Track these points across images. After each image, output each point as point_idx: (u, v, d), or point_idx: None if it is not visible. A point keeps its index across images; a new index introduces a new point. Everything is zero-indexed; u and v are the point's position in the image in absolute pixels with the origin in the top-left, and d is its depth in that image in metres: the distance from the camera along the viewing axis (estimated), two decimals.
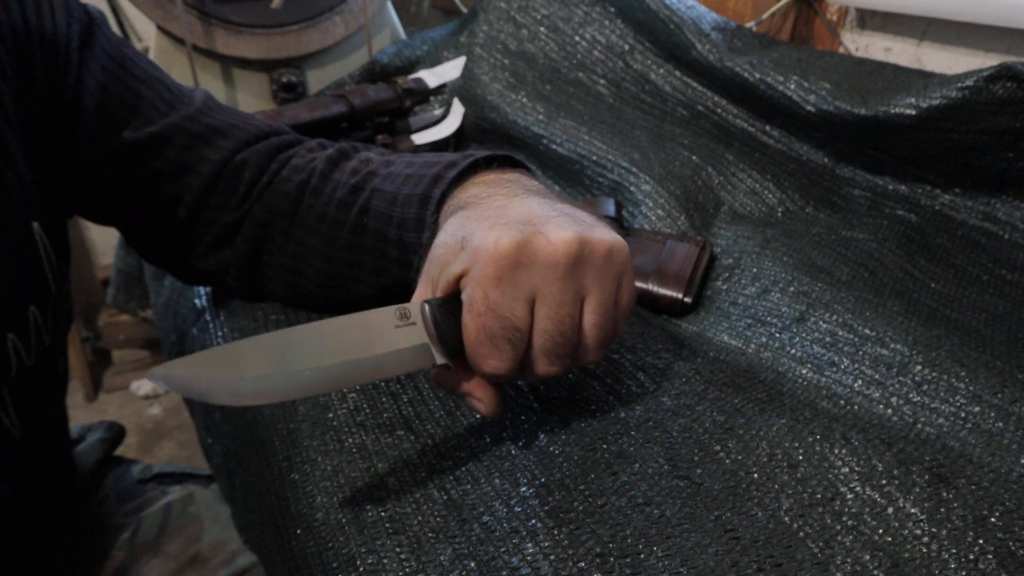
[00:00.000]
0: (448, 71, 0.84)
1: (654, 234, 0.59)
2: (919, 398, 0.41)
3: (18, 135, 0.41)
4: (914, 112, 0.56)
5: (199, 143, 0.46)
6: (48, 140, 0.42)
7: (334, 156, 0.48)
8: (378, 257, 0.45)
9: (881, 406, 0.41)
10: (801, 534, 0.31)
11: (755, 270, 0.54)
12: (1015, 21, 0.63)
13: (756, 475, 0.34)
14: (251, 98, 1.06)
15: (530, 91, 0.81)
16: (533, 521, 0.33)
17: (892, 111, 0.57)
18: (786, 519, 0.32)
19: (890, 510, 0.32)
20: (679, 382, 0.42)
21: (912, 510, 0.32)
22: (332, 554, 0.33)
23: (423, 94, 0.81)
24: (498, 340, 0.32)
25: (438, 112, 0.86)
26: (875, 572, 0.30)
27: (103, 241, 1.78)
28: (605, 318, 0.34)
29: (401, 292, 0.46)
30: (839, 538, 0.31)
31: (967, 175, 0.59)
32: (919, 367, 0.43)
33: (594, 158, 0.70)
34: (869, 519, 0.32)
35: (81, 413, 1.70)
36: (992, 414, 0.39)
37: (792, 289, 0.51)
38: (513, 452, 0.37)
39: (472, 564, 0.31)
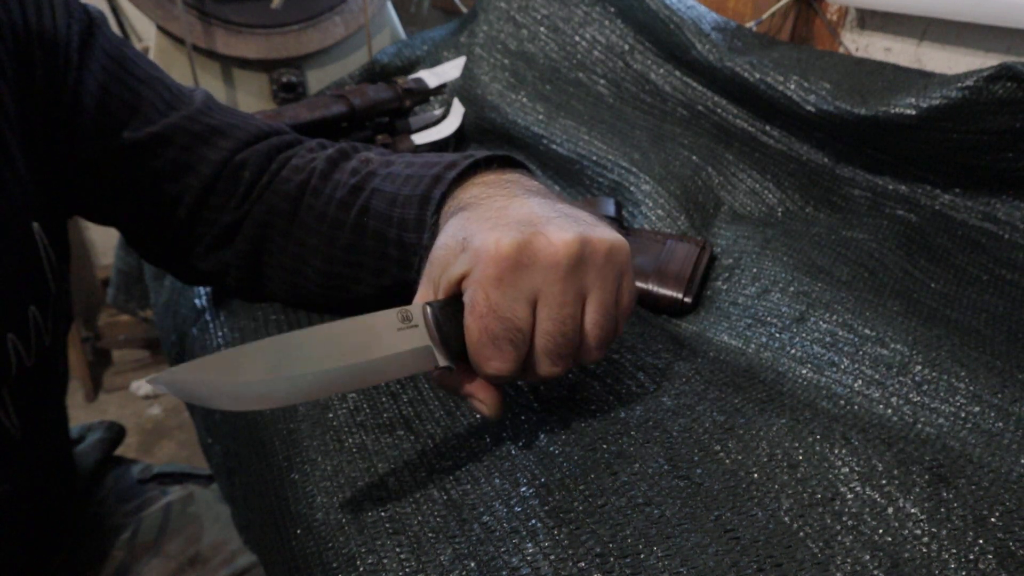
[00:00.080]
0: (448, 71, 0.84)
1: (654, 234, 0.59)
2: (919, 398, 0.41)
3: (18, 135, 0.41)
4: (914, 112, 0.56)
5: (199, 143, 0.46)
6: (48, 140, 0.42)
7: (334, 156, 0.48)
8: (378, 257, 0.45)
9: (881, 406, 0.41)
10: (801, 534, 0.31)
11: (755, 270, 0.54)
12: (1015, 21, 0.63)
13: (756, 475, 0.34)
14: (251, 98, 1.06)
15: (530, 91, 0.81)
16: (533, 521, 0.33)
17: (892, 111, 0.57)
18: (786, 519, 0.32)
19: (890, 510, 0.32)
20: (679, 382, 0.42)
21: (912, 510, 0.32)
22: (332, 554, 0.33)
23: (423, 94, 0.81)
24: (500, 341, 0.32)
25: (438, 112, 0.86)
26: (875, 572, 0.30)
27: (103, 241, 1.78)
28: (606, 317, 0.34)
29: (401, 292, 0.46)
30: (839, 538, 0.31)
31: (967, 175, 0.59)
32: (919, 367, 0.43)
33: (594, 158, 0.70)
34: (869, 519, 0.32)
35: (81, 413, 1.70)
36: (992, 414, 0.39)
37: (792, 289, 0.51)
38: (513, 452, 0.37)
39: (472, 564, 0.31)
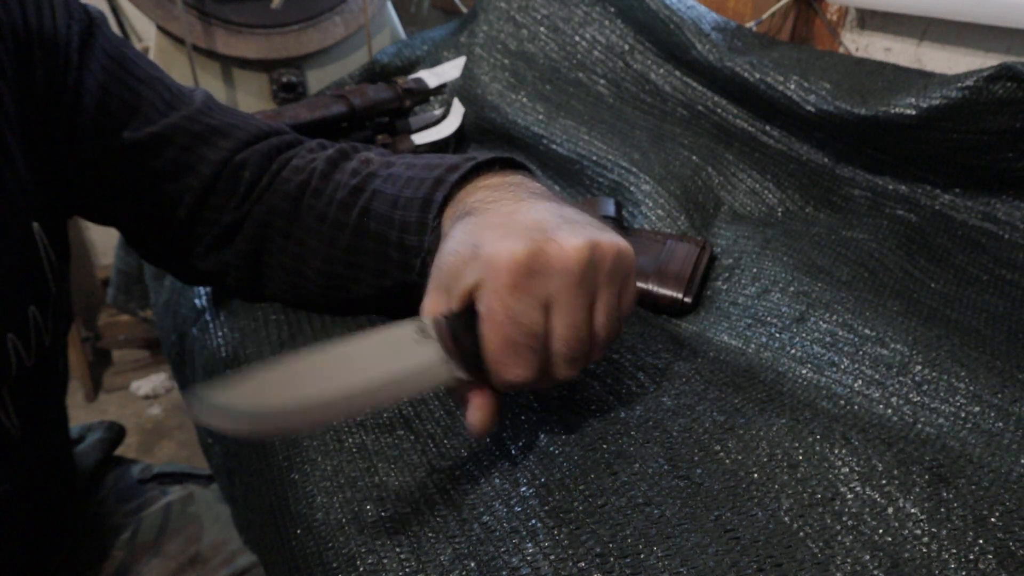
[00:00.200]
0: (448, 71, 0.84)
1: (654, 234, 0.59)
2: (919, 398, 0.41)
3: (18, 135, 0.41)
4: (914, 112, 0.56)
5: (199, 143, 0.46)
6: (48, 140, 0.42)
7: (334, 156, 0.48)
8: (378, 259, 0.45)
9: (881, 406, 0.41)
10: (801, 534, 0.31)
11: (755, 270, 0.54)
12: (1015, 21, 0.63)
13: (756, 475, 0.34)
14: (251, 98, 1.06)
15: (530, 91, 0.81)
16: (533, 521, 0.33)
17: (892, 111, 0.57)
18: (786, 519, 0.32)
19: (890, 510, 0.32)
20: (679, 382, 0.42)
21: (912, 510, 0.32)
22: (332, 554, 0.33)
23: (423, 94, 0.81)
24: (521, 349, 0.32)
25: (438, 112, 0.86)
26: (875, 572, 0.30)
27: (103, 241, 1.78)
28: (613, 320, 0.35)
29: (401, 293, 0.46)
30: (839, 538, 0.31)
31: (967, 175, 0.59)
32: (919, 367, 0.43)
33: (594, 158, 0.70)
34: (869, 519, 0.32)
35: (81, 413, 1.70)
36: (992, 414, 0.39)
37: (792, 289, 0.51)
38: (513, 452, 0.37)
39: (472, 564, 0.31)
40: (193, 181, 0.46)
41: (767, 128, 0.71)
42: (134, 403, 1.76)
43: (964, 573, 0.30)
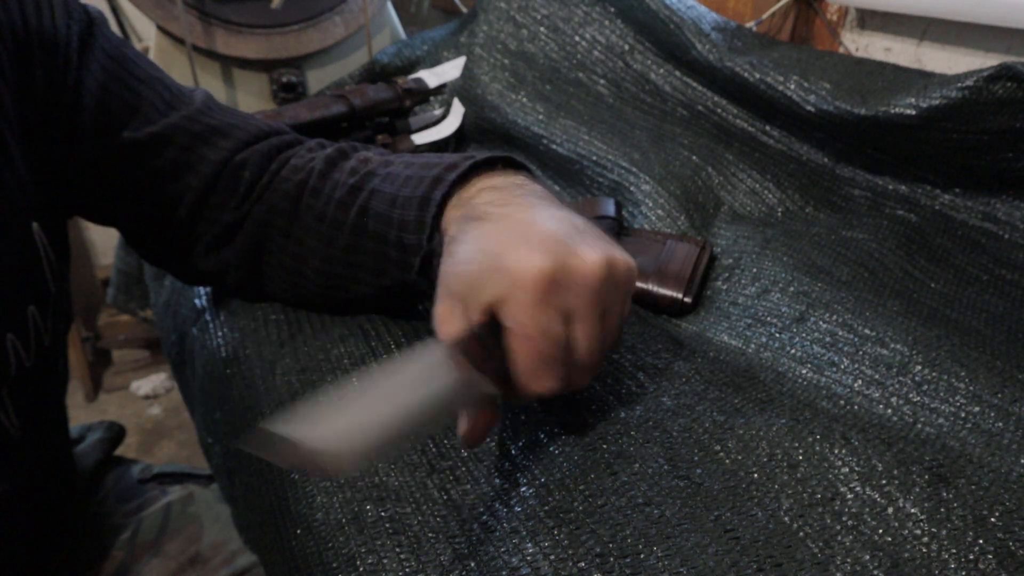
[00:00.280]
0: (448, 71, 0.84)
1: (654, 234, 0.59)
2: (919, 398, 0.41)
3: (18, 135, 0.41)
4: (914, 112, 0.56)
5: (199, 143, 0.46)
6: (48, 140, 0.42)
7: (333, 156, 0.48)
8: (377, 258, 0.45)
9: (881, 406, 0.41)
10: (801, 534, 0.31)
11: (755, 270, 0.54)
12: (1015, 21, 0.63)
13: (756, 475, 0.34)
14: (251, 98, 1.06)
15: (530, 91, 0.81)
16: (533, 521, 0.33)
17: (892, 111, 0.57)
18: (786, 519, 0.32)
19: (890, 510, 0.32)
20: (679, 382, 0.42)
21: (912, 510, 0.32)
22: (332, 554, 0.33)
23: (423, 94, 0.81)
24: (551, 361, 0.33)
25: (438, 112, 0.86)
26: (875, 572, 0.30)
27: (103, 241, 1.78)
28: (618, 328, 0.36)
29: (401, 292, 0.46)
30: (839, 538, 0.31)
31: (967, 175, 0.59)
32: (919, 367, 0.43)
33: (594, 158, 0.70)
34: (869, 519, 0.32)
35: (81, 413, 1.70)
36: (992, 414, 0.39)
37: (792, 289, 0.51)
38: (513, 452, 0.37)
39: (472, 564, 0.31)
40: (193, 181, 0.46)
41: (767, 128, 0.71)
42: (134, 403, 1.76)
43: (964, 573, 0.30)
